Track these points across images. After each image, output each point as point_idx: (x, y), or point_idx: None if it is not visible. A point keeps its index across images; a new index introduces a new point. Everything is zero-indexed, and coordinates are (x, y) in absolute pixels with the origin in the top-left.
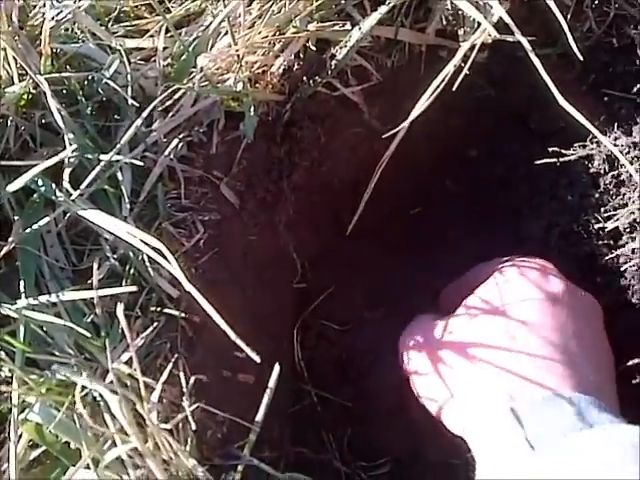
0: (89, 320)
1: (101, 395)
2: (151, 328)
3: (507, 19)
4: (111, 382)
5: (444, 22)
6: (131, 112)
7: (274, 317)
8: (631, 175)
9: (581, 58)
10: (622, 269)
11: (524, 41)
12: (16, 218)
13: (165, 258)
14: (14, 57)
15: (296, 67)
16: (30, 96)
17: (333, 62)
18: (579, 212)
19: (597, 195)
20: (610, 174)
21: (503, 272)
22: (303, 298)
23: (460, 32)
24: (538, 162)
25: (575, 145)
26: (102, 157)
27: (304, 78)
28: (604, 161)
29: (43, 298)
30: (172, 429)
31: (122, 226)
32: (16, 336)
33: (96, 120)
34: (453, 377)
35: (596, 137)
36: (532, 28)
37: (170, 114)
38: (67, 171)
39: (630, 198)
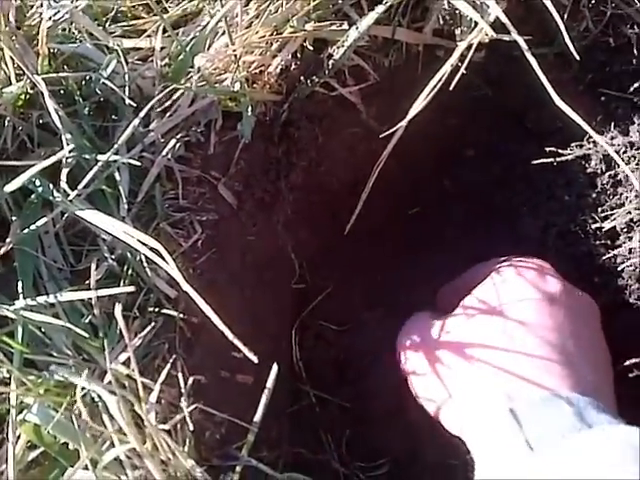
0: (87, 321)
1: (99, 396)
2: (149, 328)
3: (504, 18)
4: (109, 383)
5: (441, 22)
6: (128, 112)
7: (272, 317)
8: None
9: (578, 58)
10: (619, 269)
11: (521, 40)
12: (14, 219)
13: (163, 258)
14: (11, 57)
15: (293, 67)
16: (27, 96)
17: (330, 62)
18: (576, 212)
19: (594, 195)
20: (607, 174)
21: (500, 272)
22: (301, 298)
23: (457, 32)
24: (535, 162)
25: (572, 145)
26: (100, 157)
27: (301, 78)
28: (601, 161)
29: (41, 299)
30: (170, 430)
31: (120, 226)
32: (14, 337)
33: (94, 120)
34: (451, 377)
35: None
36: (529, 27)
37: (168, 114)
38: (65, 171)
39: (627, 198)
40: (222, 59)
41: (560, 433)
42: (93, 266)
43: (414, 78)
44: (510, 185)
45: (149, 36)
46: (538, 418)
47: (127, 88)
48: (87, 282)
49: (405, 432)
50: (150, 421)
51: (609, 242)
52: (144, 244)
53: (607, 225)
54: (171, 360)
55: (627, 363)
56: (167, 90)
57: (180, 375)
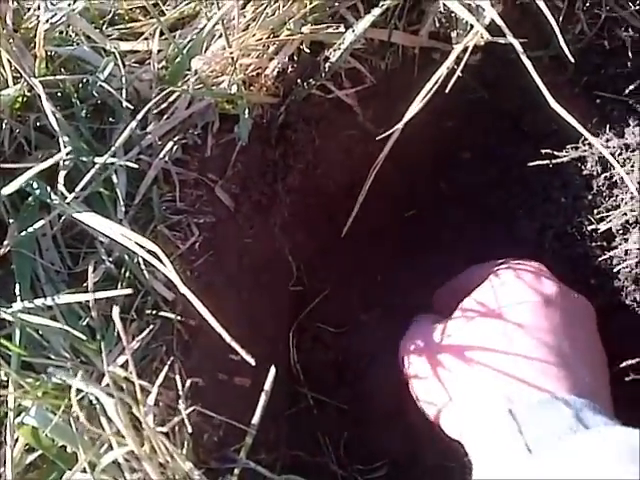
0: (85, 323)
1: (97, 398)
2: (147, 331)
3: (499, 21)
4: (107, 385)
5: (437, 24)
6: (126, 115)
7: (270, 320)
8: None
9: (573, 60)
10: (615, 270)
11: (516, 43)
12: (11, 221)
13: (160, 261)
14: (9, 60)
15: (290, 70)
16: (25, 99)
17: (327, 64)
18: (572, 214)
19: (590, 197)
20: (603, 176)
21: (499, 275)
22: (299, 301)
23: (453, 34)
24: (531, 164)
25: (568, 147)
26: (97, 160)
27: (298, 81)
28: (597, 163)
29: (39, 301)
30: (168, 432)
31: (117, 229)
32: (12, 339)
33: (91, 123)
34: (452, 380)
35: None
36: (524, 30)
37: (165, 117)
38: (62, 174)
39: (623, 199)
40: (219, 62)
41: (557, 435)
42: (90, 268)
43: (410, 81)
44: (506, 187)
45: (146, 39)
46: (535, 420)
47: (124, 91)
48: (85, 285)
49: (404, 434)
50: (148, 424)
51: (605, 244)
52: (141, 246)
53: (603, 227)
54: (169, 362)
55: (623, 365)
56: (164, 93)
57: (178, 377)
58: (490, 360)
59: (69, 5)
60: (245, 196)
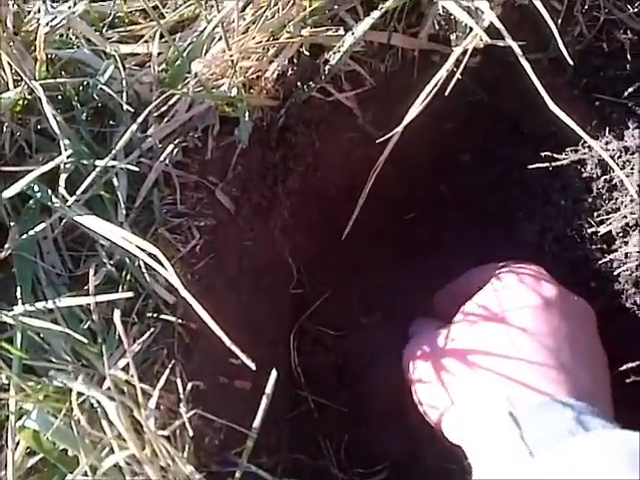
0: (86, 326)
1: (98, 402)
2: (148, 334)
3: (498, 24)
4: (108, 389)
5: (436, 27)
6: (126, 118)
7: (270, 322)
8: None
9: (572, 63)
10: (615, 273)
11: (515, 46)
12: (12, 224)
13: (161, 264)
14: (9, 63)
15: (290, 72)
16: (25, 102)
17: (327, 67)
18: (572, 216)
19: (590, 199)
20: (602, 178)
21: (501, 278)
22: (299, 303)
23: (452, 37)
24: (531, 166)
25: (567, 149)
26: (98, 163)
27: (298, 83)
28: (596, 165)
29: (40, 305)
30: (169, 436)
31: (118, 232)
32: (13, 343)
33: (91, 126)
34: (455, 384)
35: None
36: (523, 33)
37: (165, 120)
38: (63, 177)
39: (622, 202)
40: (219, 64)
41: (556, 438)
42: (92, 272)
43: (410, 83)
44: (506, 190)
45: (146, 42)
46: (535, 422)
47: (124, 94)
48: (86, 288)
49: (404, 436)
50: (149, 427)
51: (605, 246)
52: (142, 250)
53: (603, 229)
54: (170, 366)
55: (624, 367)
56: (164, 95)
57: (179, 381)
58: (493, 364)
59: (69, 8)
60: (245, 199)
